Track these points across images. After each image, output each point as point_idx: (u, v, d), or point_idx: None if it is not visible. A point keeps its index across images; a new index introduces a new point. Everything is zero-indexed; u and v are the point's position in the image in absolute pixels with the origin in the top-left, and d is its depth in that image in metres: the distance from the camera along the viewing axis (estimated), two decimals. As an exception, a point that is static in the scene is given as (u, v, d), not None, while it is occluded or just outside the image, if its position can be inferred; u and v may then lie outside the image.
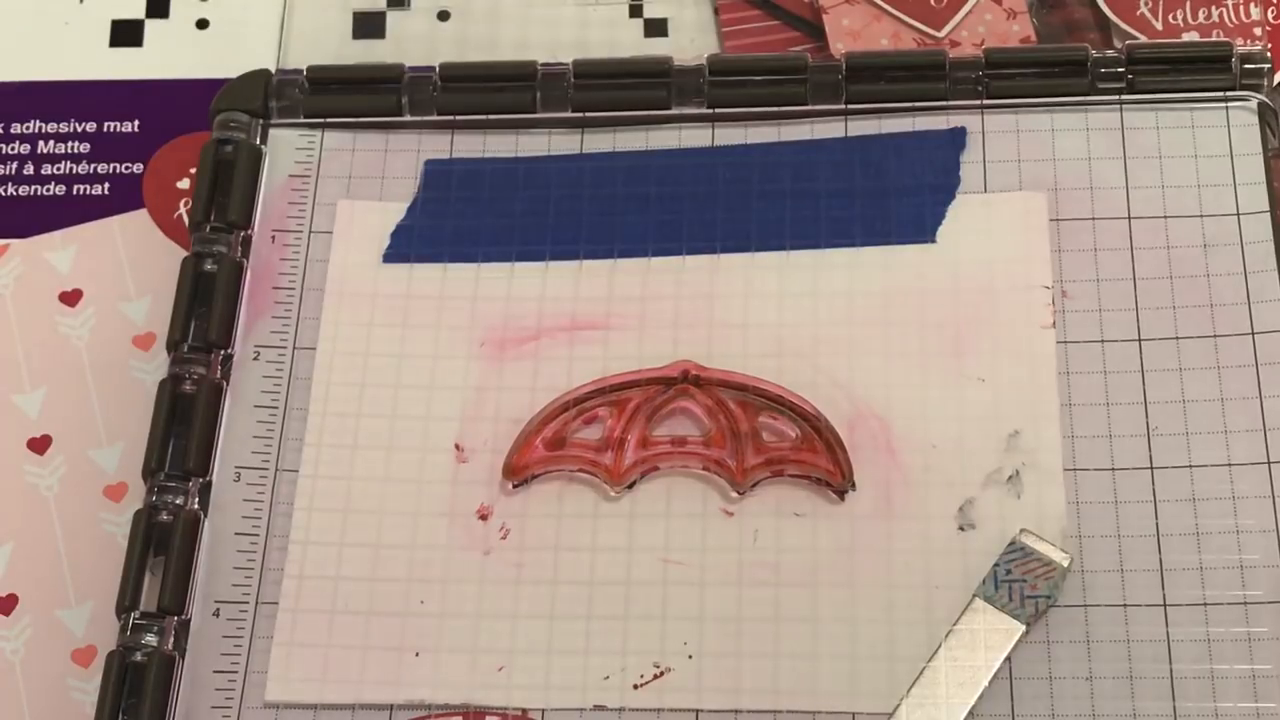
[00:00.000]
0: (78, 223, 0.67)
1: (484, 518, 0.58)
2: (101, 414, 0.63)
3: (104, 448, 0.63)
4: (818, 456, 0.58)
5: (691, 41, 0.71)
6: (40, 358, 0.65)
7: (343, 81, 0.66)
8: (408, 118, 0.65)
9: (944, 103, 0.64)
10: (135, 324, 0.65)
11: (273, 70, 0.67)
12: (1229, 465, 0.57)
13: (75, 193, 0.68)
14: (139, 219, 0.67)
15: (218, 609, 0.57)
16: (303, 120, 0.65)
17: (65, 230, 0.67)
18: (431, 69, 0.65)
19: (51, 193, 0.68)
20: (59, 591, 0.61)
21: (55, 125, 0.69)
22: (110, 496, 0.62)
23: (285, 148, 0.65)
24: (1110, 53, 0.63)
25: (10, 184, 0.68)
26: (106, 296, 0.66)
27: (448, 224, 0.63)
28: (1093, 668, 0.54)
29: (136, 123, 0.69)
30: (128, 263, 0.66)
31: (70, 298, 0.66)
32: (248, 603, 0.57)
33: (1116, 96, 0.63)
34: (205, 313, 0.62)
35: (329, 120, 0.65)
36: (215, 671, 0.56)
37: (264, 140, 0.65)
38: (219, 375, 0.61)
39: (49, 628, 0.60)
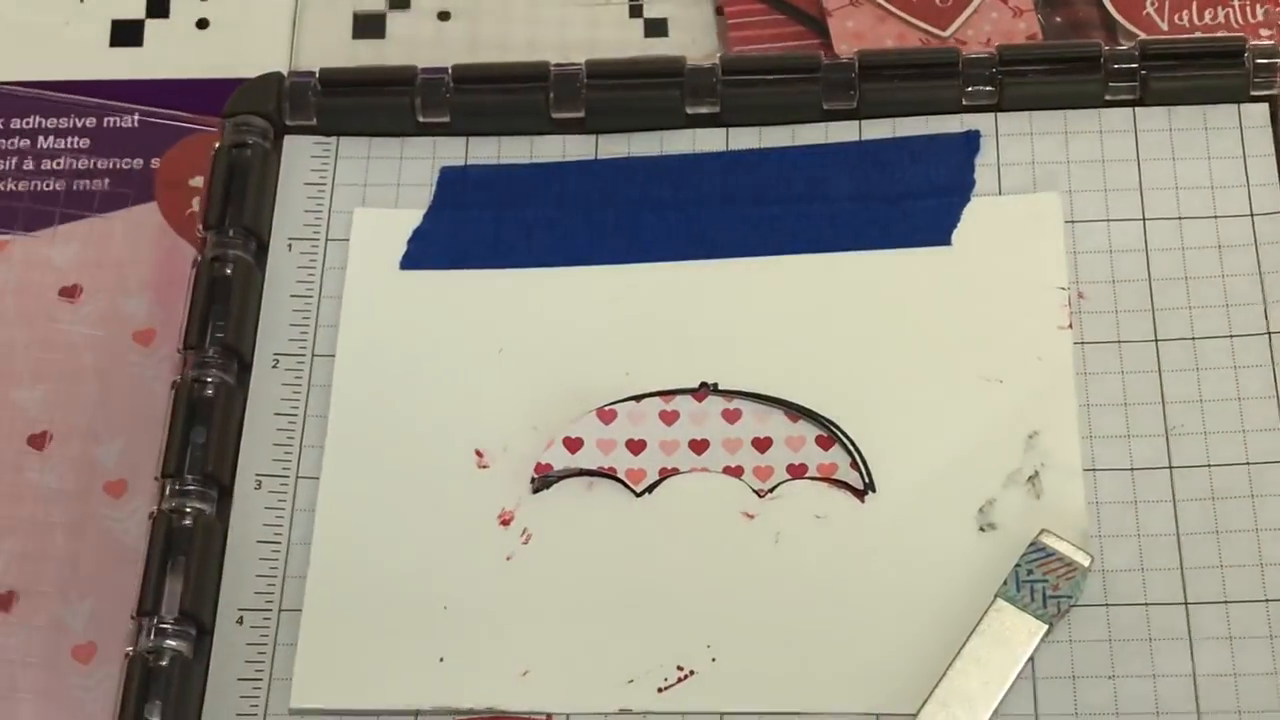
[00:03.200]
0: (78, 218, 0.67)
1: (505, 523, 0.58)
2: (102, 410, 0.63)
3: (104, 444, 0.63)
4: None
5: (693, 41, 0.71)
6: (40, 353, 0.65)
7: (356, 84, 0.66)
8: (421, 119, 0.65)
9: (958, 106, 0.64)
10: (135, 320, 0.65)
11: (284, 71, 0.66)
12: (1247, 464, 0.57)
13: (75, 188, 0.68)
14: (138, 215, 0.67)
15: (241, 616, 0.57)
16: (316, 126, 0.65)
17: (65, 226, 0.67)
18: (444, 70, 0.65)
19: (51, 188, 0.68)
20: (59, 588, 0.61)
21: (55, 121, 0.69)
22: (110, 493, 0.62)
23: (300, 155, 0.65)
24: (1123, 48, 0.64)
25: (10, 179, 0.68)
26: (106, 292, 0.66)
27: (464, 230, 0.63)
28: (1115, 667, 0.55)
29: (136, 118, 0.69)
30: (128, 258, 0.66)
31: (70, 293, 0.66)
32: (271, 610, 0.57)
33: (1130, 108, 0.64)
34: (221, 311, 0.62)
35: (343, 129, 0.65)
36: (240, 679, 0.57)
37: (278, 147, 0.65)
38: (237, 381, 0.61)
39: (49, 624, 0.60)
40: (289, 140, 0.65)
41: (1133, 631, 0.55)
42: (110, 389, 0.64)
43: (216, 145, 0.65)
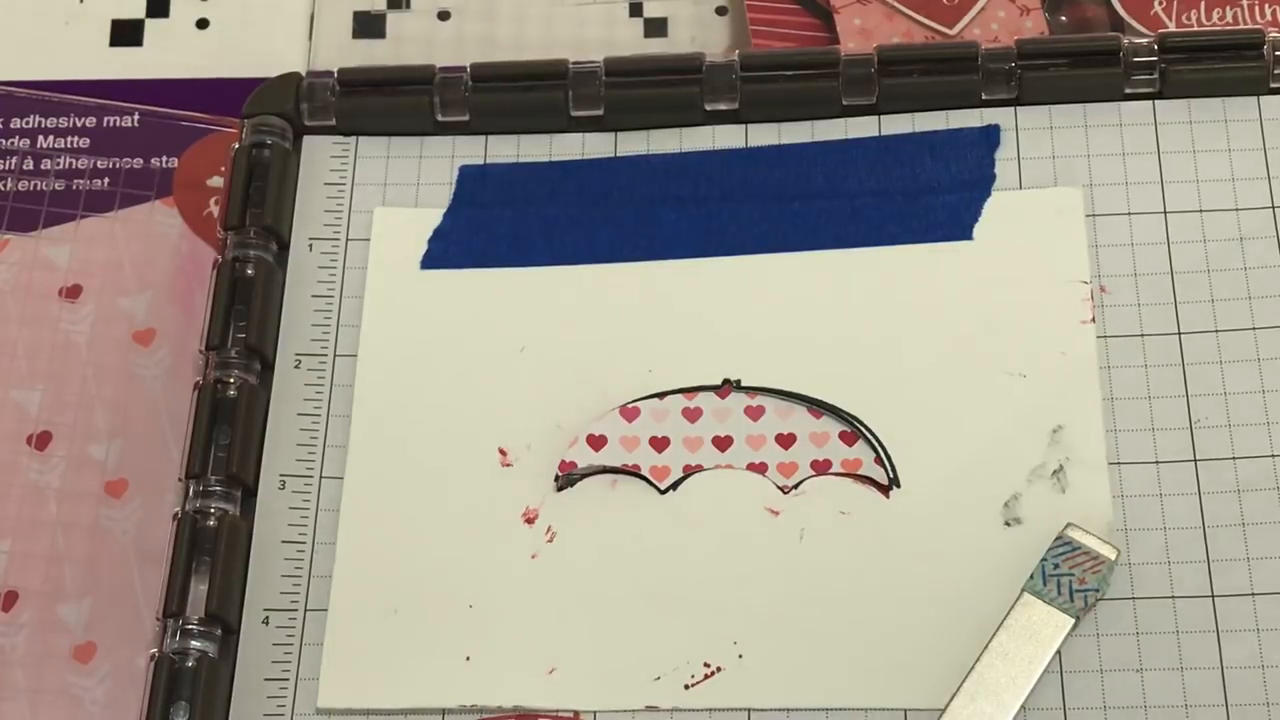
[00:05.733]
0: (77, 218, 0.67)
1: (530, 521, 0.59)
2: (101, 410, 0.63)
3: (104, 444, 0.63)
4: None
5: (692, 39, 0.71)
6: (40, 353, 0.65)
7: (374, 84, 0.66)
8: (440, 118, 0.65)
9: (977, 101, 0.64)
10: (135, 320, 0.65)
11: (289, 70, 0.66)
12: (1273, 457, 0.57)
13: (75, 188, 0.68)
14: (139, 214, 0.67)
15: (266, 617, 0.57)
16: (335, 126, 0.65)
17: (65, 225, 0.67)
18: (463, 69, 0.65)
19: (51, 188, 0.68)
20: (59, 588, 0.61)
21: (55, 121, 0.69)
22: (110, 493, 0.62)
23: (319, 155, 0.65)
24: (1142, 41, 0.64)
25: (10, 179, 0.68)
26: (106, 292, 0.66)
27: (484, 229, 0.63)
28: (1143, 660, 0.55)
29: (136, 117, 0.69)
30: (127, 258, 0.66)
31: (70, 293, 0.66)
32: (296, 610, 0.58)
33: (1149, 101, 0.63)
34: (242, 312, 0.62)
35: (362, 129, 0.65)
36: (266, 679, 0.57)
37: (297, 147, 0.65)
38: (259, 382, 0.61)
39: (49, 624, 0.60)
40: (308, 140, 0.65)
41: (1160, 625, 0.55)
42: (110, 389, 0.64)
43: (235, 146, 0.65)
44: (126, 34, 0.73)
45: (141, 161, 0.68)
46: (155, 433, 0.63)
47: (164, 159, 0.69)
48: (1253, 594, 0.55)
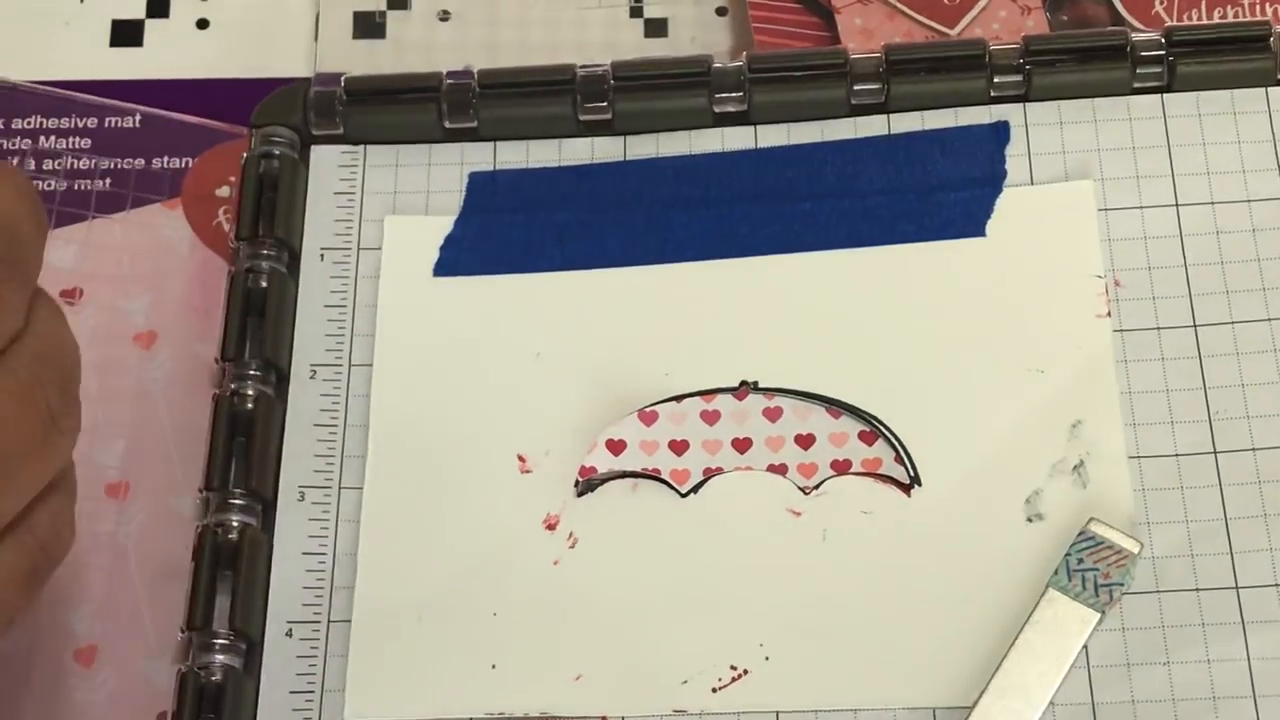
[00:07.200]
0: (78, 219, 0.67)
1: (551, 527, 0.58)
2: (103, 413, 0.63)
3: (105, 446, 0.63)
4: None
5: (693, 40, 0.71)
6: (41, 355, 0.65)
7: (381, 92, 0.65)
8: (447, 125, 0.65)
9: (986, 98, 0.64)
10: (136, 322, 0.65)
11: (291, 73, 0.66)
12: (1292, 447, 0.58)
13: (76, 189, 0.68)
14: (139, 216, 0.67)
15: (290, 629, 0.57)
16: (343, 135, 0.65)
17: (66, 227, 0.67)
18: (470, 76, 0.65)
19: (52, 189, 0.68)
20: (61, 590, 0.60)
21: (56, 121, 0.69)
22: (111, 495, 0.62)
23: (328, 164, 0.65)
24: (1149, 36, 0.64)
25: (11, 179, 0.68)
26: (108, 294, 0.66)
27: (495, 235, 0.63)
28: (1169, 653, 0.55)
29: (137, 118, 0.69)
30: (129, 261, 0.66)
31: (70, 295, 0.65)
32: (320, 622, 0.57)
33: (1158, 95, 0.64)
34: (256, 323, 0.61)
35: (370, 137, 0.65)
36: (292, 692, 0.56)
37: (305, 156, 0.65)
38: (275, 393, 0.61)
39: (50, 627, 0.60)
40: (316, 150, 0.65)
41: (1185, 617, 0.55)
42: (111, 391, 0.64)
43: (245, 156, 0.64)
44: (126, 34, 0.72)
45: (143, 163, 0.68)
46: (157, 436, 0.63)
47: (165, 161, 0.68)
48: (1277, 584, 0.56)
